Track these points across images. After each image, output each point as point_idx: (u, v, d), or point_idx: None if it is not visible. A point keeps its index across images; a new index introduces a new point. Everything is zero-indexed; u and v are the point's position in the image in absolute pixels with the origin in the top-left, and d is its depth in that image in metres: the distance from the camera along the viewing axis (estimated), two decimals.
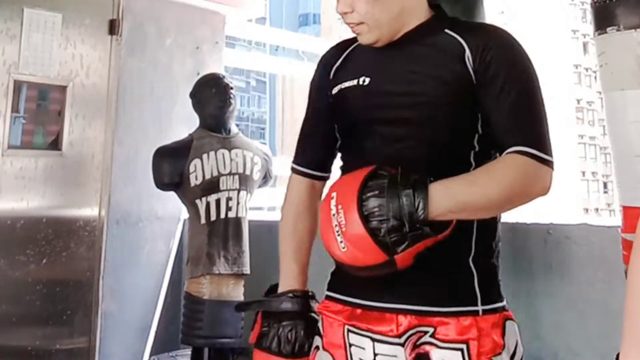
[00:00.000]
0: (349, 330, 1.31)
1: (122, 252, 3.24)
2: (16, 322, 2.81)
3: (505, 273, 2.60)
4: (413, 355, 1.25)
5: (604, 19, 2.07)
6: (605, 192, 32.99)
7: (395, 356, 1.25)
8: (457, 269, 1.31)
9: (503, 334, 1.28)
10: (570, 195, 31.17)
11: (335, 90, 1.40)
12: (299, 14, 45.34)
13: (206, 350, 2.80)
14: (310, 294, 1.48)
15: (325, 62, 1.48)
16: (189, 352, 2.91)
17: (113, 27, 3.15)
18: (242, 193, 2.85)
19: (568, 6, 33.42)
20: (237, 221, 2.83)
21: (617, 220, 2.24)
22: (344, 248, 1.16)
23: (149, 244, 3.43)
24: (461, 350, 1.23)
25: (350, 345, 1.30)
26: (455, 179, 1.20)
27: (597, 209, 31.78)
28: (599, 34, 2.09)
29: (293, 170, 1.52)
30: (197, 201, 2.78)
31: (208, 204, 2.78)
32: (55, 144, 2.96)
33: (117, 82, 3.17)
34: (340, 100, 1.39)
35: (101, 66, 3.11)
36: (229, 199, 2.80)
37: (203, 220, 2.78)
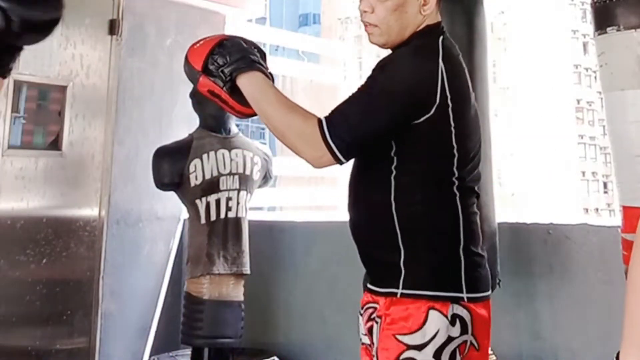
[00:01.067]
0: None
1: (122, 252, 3.24)
2: (16, 322, 2.81)
3: (505, 273, 2.60)
4: (368, 326, 1.53)
5: (604, 19, 2.07)
6: (605, 192, 32.98)
7: (360, 324, 1.57)
8: (388, 257, 1.49)
9: (424, 321, 1.40)
10: (570, 195, 31.14)
11: None
12: (299, 14, 45.33)
13: (206, 350, 2.80)
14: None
15: None
16: (189, 352, 2.91)
17: (113, 27, 3.15)
18: (242, 193, 2.85)
19: (568, 6, 33.41)
20: (237, 221, 2.83)
21: (617, 220, 2.24)
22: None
23: (149, 244, 3.43)
24: (378, 322, 1.46)
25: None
26: (266, 87, 1.50)
27: (597, 209, 31.76)
28: (599, 34, 2.09)
29: None
30: (197, 201, 2.78)
31: (208, 204, 2.78)
32: (55, 144, 2.95)
33: (117, 82, 3.16)
34: None
35: (101, 66, 3.11)
36: (229, 199, 2.80)
37: (203, 220, 2.78)
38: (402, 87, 1.45)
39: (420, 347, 1.38)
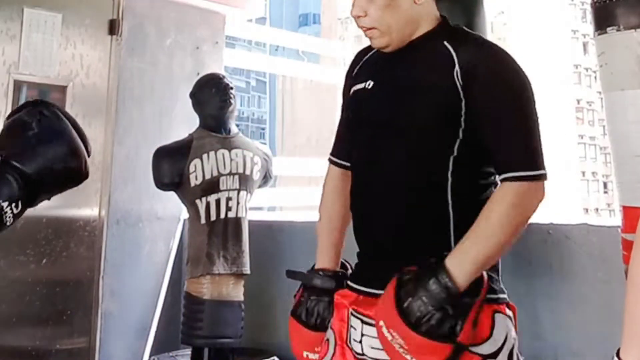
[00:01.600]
0: (351, 313, 1.43)
1: (122, 252, 3.24)
2: (16, 322, 2.81)
3: (505, 273, 2.60)
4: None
5: (604, 19, 2.07)
6: (605, 192, 32.99)
7: (377, 337, 1.32)
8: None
9: (491, 326, 1.32)
10: (570, 195, 31.16)
11: (351, 91, 1.52)
12: (299, 14, 45.32)
13: (206, 350, 2.80)
14: (340, 273, 1.57)
15: (351, 64, 1.61)
16: (189, 352, 2.91)
17: (113, 27, 3.15)
18: (242, 193, 2.85)
19: (568, 6, 33.42)
20: (237, 221, 2.83)
21: (617, 220, 2.24)
22: None
23: (149, 244, 3.43)
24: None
25: (350, 326, 1.43)
26: (464, 242, 1.30)
27: (597, 209, 31.77)
28: (599, 34, 2.09)
29: (329, 160, 1.67)
30: (197, 201, 2.78)
31: (208, 204, 2.78)
32: None
33: (117, 82, 3.16)
34: (351, 101, 1.52)
35: (101, 66, 3.11)
36: (229, 199, 2.80)
37: (203, 220, 2.78)
38: (531, 90, 1.45)
39: (495, 355, 1.31)
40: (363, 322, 1.40)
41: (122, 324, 3.24)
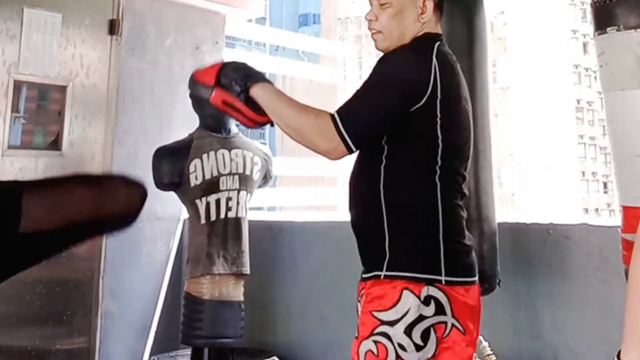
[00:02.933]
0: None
1: (122, 252, 3.24)
2: (16, 322, 2.81)
3: (505, 273, 2.61)
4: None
5: (604, 19, 2.07)
6: (605, 192, 32.98)
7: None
8: (376, 243, 1.62)
9: (397, 299, 1.53)
10: (570, 195, 31.14)
11: None
12: (299, 14, 45.31)
13: (206, 350, 2.80)
14: None
15: None
16: (189, 352, 2.91)
17: (113, 27, 3.15)
18: (242, 193, 2.85)
19: (568, 6, 33.41)
20: (237, 221, 2.82)
21: (617, 220, 2.24)
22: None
23: (149, 244, 3.43)
24: (360, 302, 1.62)
25: None
26: (279, 93, 1.70)
27: (597, 209, 31.76)
28: (599, 34, 2.09)
29: None
30: (197, 201, 2.78)
31: (208, 204, 2.78)
32: (55, 144, 2.95)
33: (117, 82, 3.16)
34: None
35: (101, 66, 3.11)
36: (229, 199, 2.80)
37: (203, 220, 2.78)
38: (401, 77, 1.62)
39: (392, 323, 1.51)
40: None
41: (122, 324, 3.24)
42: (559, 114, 32.46)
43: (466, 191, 1.72)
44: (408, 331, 1.51)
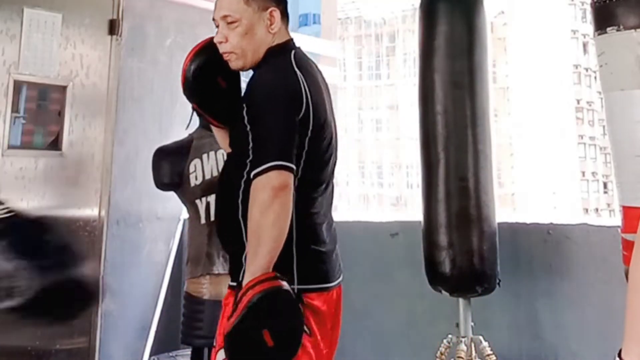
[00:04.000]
0: None
1: (122, 252, 3.24)
2: (16, 322, 2.81)
3: (505, 273, 2.61)
4: None
5: (604, 19, 2.07)
6: (605, 192, 32.98)
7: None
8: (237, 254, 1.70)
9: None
10: (570, 195, 31.14)
11: None
12: (299, 14, 45.32)
13: (206, 350, 2.80)
14: None
15: None
16: (189, 352, 2.91)
17: (113, 27, 3.15)
18: None
19: (568, 6, 33.40)
20: None
21: (617, 220, 2.24)
22: None
23: (149, 244, 3.42)
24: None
25: None
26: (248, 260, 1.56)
27: (597, 209, 31.76)
28: (599, 34, 2.09)
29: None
30: (197, 201, 2.78)
31: (208, 204, 2.77)
32: (55, 144, 2.95)
33: (117, 82, 3.16)
34: None
35: (101, 66, 3.11)
36: None
37: (203, 220, 2.78)
38: (283, 96, 1.62)
39: None
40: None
41: (122, 324, 3.24)
42: (559, 114, 32.45)
43: (321, 197, 1.71)
44: (300, 336, 1.57)
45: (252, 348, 1.50)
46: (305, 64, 1.74)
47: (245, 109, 1.63)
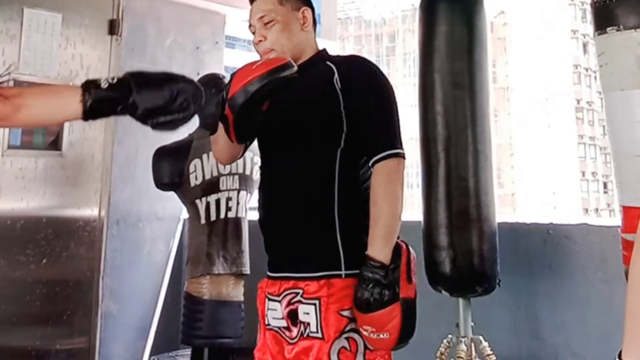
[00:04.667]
0: (265, 294, 1.75)
1: (122, 252, 3.24)
2: (16, 322, 2.81)
3: (505, 273, 2.61)
4: (288, 310, 1.66)
5: (604, 19, 2.07)
6: (605, 192, 32.99)
7: (275, 310, 1.70)
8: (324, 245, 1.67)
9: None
10: (570, 195, 31.15)
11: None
12: None
13: (206, 350, 2.80)
14: None
15: None
16: (189, 352, 2.91)
17: (113, 27, 3.15)
18: (242, 193, 2.85)
19: (568, 6, 33.42)
20: (237, 221, 2.83)
21: (617, 220, 2.24)
22: None
23: (149, 244, 3.43)
24: (315, 304, 1.62)
25: (265, 305, 1.75)
26: (370, 230, 1.61)
27: (597, 209, 31.77)
28: (599, 34, 2.09)
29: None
30: (197, 201, 2.78)
31: (208, 204, 2.78)
32: (55, 144, 2.96)
33: None
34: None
35: (101, 66, 3.11)
36: (228, 199, 2.80)
37: (203, 220, 2.78)
38: (388, 84, 1.76)
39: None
40: (269, 299, 1.72)
41: (122, 324, 3.24)
42: (559, 114, 32.46)
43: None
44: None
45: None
46: None
47: (348, 96, 1.68)
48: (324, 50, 1.83)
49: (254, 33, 1.77)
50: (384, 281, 1.56)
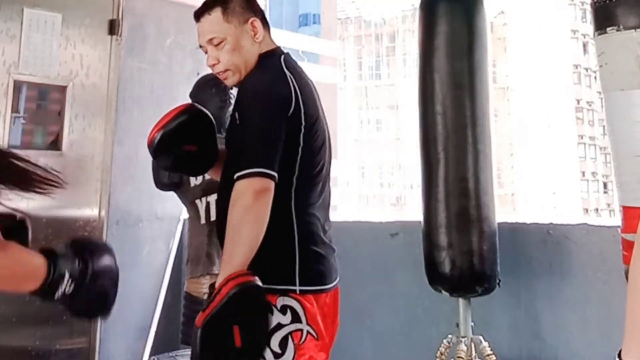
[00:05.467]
0: None
1: (122, 252, 3.20)
2: (16, 322, 2.81)
3: (505, 273, 2.61)
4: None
5: (604, 19, 2.07)
6: (605, 192, 32.97)
7: None
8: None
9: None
10: (570, 195, 31.14)
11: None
12: (299, 14, 45.30)
13: None
14: None
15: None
16: (189, 352, 2.90)
17: (113, 27, 3.15)
18: None
19: (568, 6, 33.40)
20: None
21: (617, 220, 2.24)
22: None
23: (149, 244, 3.42)
24: None
25: None
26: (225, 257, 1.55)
27: (597, 209, 31.75)
28: (599, 34, 2.09)
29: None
30: (197, 201, 2.78)
31: (208, 204, 2.78)
32: (55, 144, 2.95)
33: (117, 82, 3.16)
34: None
35: (101, 66, 3.11)
36: None
37: (203, 220, 2.78)
38: (269, 98, 1.66)
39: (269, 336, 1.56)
40: None
41: (122, 324, 3.24)
42: (559, 114, 32.44)
43: (318, 198, 1.72)
44: (266, 340, 1.56)
45: (221, 343, 1.51)
46: (295, 66, 1.78)
47: (237, 112, 1.69)
48: (261, 55, 1.77)
49: (206, 52, 1.78)
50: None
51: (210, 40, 1.75)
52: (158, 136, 1.75)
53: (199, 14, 1.77)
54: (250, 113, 1.64)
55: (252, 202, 1.52)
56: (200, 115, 1.83)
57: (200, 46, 1.80)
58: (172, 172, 1.77)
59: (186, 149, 1.78)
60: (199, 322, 1.52)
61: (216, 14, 1.74)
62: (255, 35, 1.75)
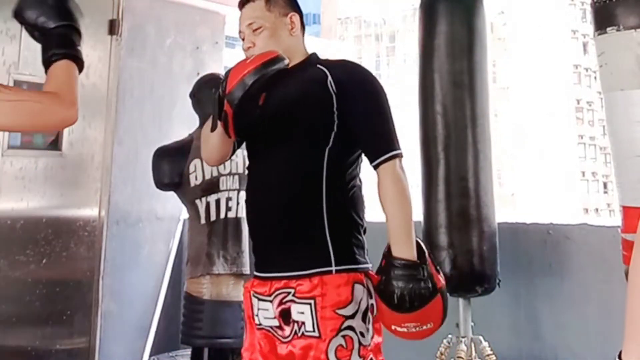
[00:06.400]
0: (252, 295, 1.75)
1: (122, 252, 3.24)
2: (16, 322, 2.81)
3: (505, 273, 2.61)
4: (280, 309, 1.67)
5: (604, 19, 2.07)
6: (605, 192, 32.99)
7: (266, 310, 1.70)
8: (313, 242, 1.69)
9: (352, 293, 1.65)
10: (570, 195, 31.15)
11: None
12: None
13: (206, 350, 2.80)
14: None
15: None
16: (189, 352, 2.91)
17: (113, 27, 3.15)
18: (242, 193, 2.84)
19: (568, 6, 33.41)
20: (237, 221, 2.82)
21: (617, 220, 2.24)
22: None
23: (149, 244, 3.43)
24: (311, 303, 1.63)
25: (252, 304, 1.75)
26: (389, 231, 1.70)
27: (597, 209, 31.77)
28: (599, 34, 2.09)
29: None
30: (197, 201, 2.78)
31: (208, 204, 2.78)
32: (55, 144, 2.95)
33: (117, 82, 3.16)
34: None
35: (101, 66, 3.11)
36: (228, 199, 2.80)
37: (203, 221, 2.78)
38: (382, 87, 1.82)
39: (353, 316, 1.65)
40: (258, 299, 1.72)
41: (122, 324, 3.24)
42: (559, 114, 32.46)
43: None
44: (364, 318, 1.66)
45: None
46: None
47: (343, 99, 1.71)
48: (314, 54, 1.86)
49: (243, 39, 1.82)
50: (421, 277, 1.62)
51: (249, 25, 1.79)
52: (256, 75, 1.62)
53: (244, 2, 1.83)
54: (380, 99, 1.75)
55: (405, 179, 1.70)
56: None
57: (240, 32, 1.83)
58: (233, 120, 1.66)
59: (260, 99, 1.77)
60: (443, 283, 1.68)
61: (260, 2, 1.80)
62: (292, 29, 1.81)
